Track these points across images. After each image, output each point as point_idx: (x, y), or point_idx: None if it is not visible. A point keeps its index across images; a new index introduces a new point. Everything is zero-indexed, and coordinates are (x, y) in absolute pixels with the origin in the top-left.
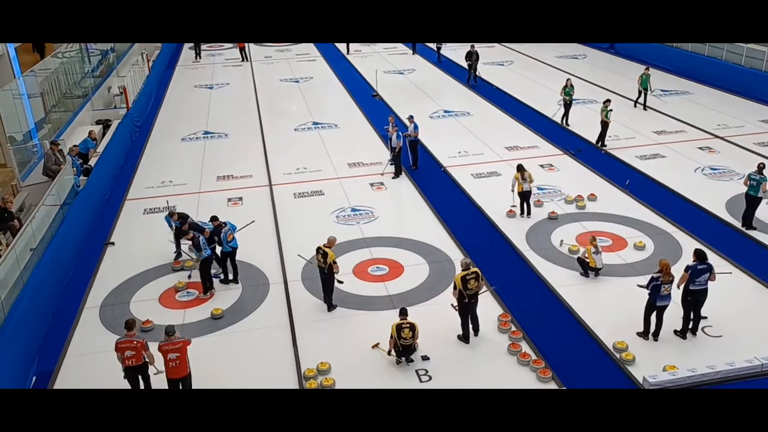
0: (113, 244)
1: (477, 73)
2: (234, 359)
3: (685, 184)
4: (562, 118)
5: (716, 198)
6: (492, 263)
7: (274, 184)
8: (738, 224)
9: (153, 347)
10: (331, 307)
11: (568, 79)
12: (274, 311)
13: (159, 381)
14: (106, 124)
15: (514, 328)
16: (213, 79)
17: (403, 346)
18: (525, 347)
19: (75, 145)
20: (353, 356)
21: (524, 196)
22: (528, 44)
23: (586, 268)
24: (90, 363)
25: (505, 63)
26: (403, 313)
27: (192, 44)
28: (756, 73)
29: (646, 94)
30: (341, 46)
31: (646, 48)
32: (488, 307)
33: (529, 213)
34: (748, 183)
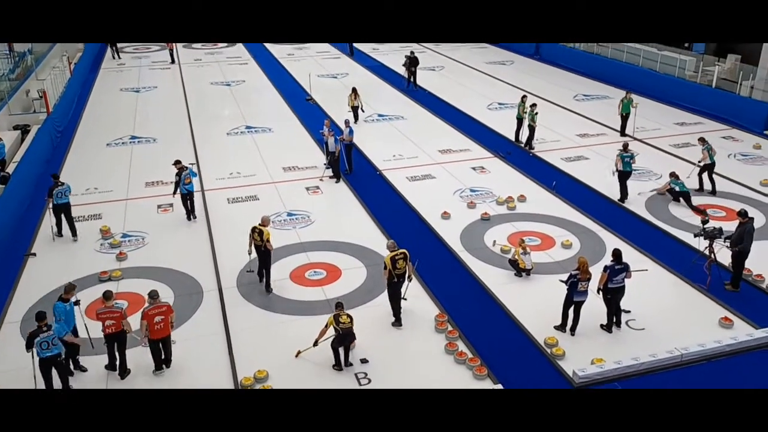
0: (35, 255)
1: (414, 79)
2: (168, 369)
3: (607, 184)
4: (528, 141)
5: (636, 197)
6: (428, 264)
7: (206, 190)
8: (657, 221)
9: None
10: (268, 288)
11: (524, 97)
12: (208, 319)
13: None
14: (24, 130)
15: (450, 328)
16: (140, 82)
17: (343, 330)
18: (461, 346)
19: None
20: (291, 363)
21: (354, 110)
22: (458, 50)
23: (518, 269)
24: (11, 380)
25: (437, 68)
26: (339, 306)
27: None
28: (670, 78)
29: (626, 120)
30: (273, 50)
31: (568, 54)
32: (425, 307)
33: (356, 119)
34: (622, 162)
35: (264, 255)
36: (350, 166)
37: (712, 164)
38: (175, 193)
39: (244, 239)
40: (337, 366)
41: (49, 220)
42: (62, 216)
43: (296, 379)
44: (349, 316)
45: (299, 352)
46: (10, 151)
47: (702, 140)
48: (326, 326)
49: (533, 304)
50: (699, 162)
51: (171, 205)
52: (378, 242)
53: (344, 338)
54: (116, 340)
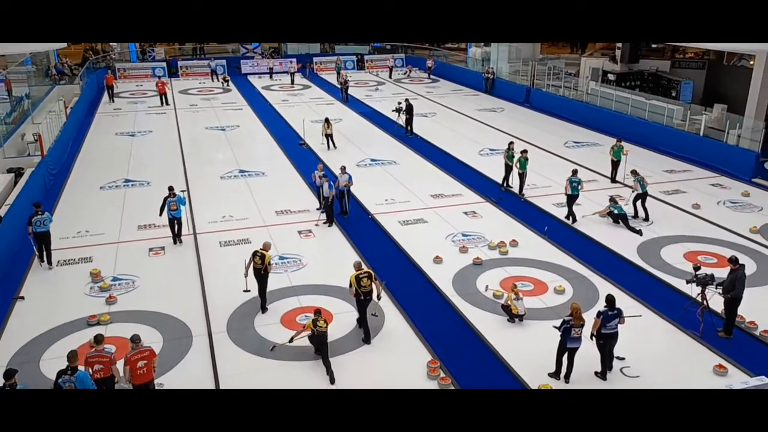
0: (23, 298)
1: (411, 127)
2: None
3: (599, 229)
4: (504, 182)
5: (628, 243)
6: (419, 309)
7: (198, 233)
8: (648, 267)
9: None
10: (264, 309)
11: (511, 143)
12: (197, 365)
13: None
14: (18, 173)
15: (443, 375)
16: (135, 126)
17: (319, 332)
18: None
19: None
20: None
21: (328, 137)
22: (449, 98)
23: (511, 314)
24: None
25: (429, 114)
26: (318, 313)
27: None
28: (658, 126)
29: (617, 166)
30: (268, 96)
31: (558, 102)
32: (417, 353)
33: (334, 146)
34: (570, 186)
35: (263, 278)
36: (347, 208)
37: (644, 194)
38: (161, 213)
39: (236, 283)
40: (318, 353)
41: (38, 262)
42: (42, 245)
43: None
44: (325, 321)
45: (274, 347)
46: (2, 193)
47: (633, 172)
48: (304, 328)
49: (526, 351)
50: (633, 191)
51: (162, 248)
52: None
53: (320, 338)
54: (104, 386)
